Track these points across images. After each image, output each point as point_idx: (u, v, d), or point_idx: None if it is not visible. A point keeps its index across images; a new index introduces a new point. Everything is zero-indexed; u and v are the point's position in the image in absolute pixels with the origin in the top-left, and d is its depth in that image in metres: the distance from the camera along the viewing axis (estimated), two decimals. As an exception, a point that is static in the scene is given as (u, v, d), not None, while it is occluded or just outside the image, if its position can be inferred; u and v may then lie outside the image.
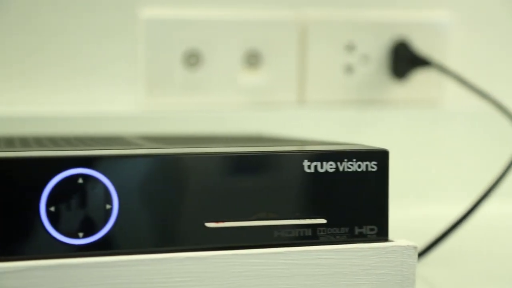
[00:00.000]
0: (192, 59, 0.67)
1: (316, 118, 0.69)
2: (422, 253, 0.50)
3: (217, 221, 0.37)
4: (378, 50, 0.71)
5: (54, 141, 0.47)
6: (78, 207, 0.35)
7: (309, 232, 0.38)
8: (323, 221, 0.38)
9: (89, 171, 0.35)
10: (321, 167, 0.38)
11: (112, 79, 0.68)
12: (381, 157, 0.39)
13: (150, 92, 0.67)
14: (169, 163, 0.37)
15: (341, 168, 0.38)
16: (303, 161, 0.38)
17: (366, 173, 0.39)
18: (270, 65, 0.69)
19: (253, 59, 0.69)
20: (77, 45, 0.67)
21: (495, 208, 0.60)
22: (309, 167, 0.38)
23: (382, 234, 0.39)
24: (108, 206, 0.36)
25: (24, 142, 0.47)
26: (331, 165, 0.38)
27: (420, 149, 0.72)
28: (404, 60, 0.70)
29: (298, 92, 0.70)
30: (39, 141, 0.48)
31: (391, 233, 0.39)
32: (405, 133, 0.71)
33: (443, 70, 0.67)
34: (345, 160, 0.38)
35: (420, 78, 0.72)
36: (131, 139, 0.51)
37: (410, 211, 0.68)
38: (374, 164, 0.39)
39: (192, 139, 0.53)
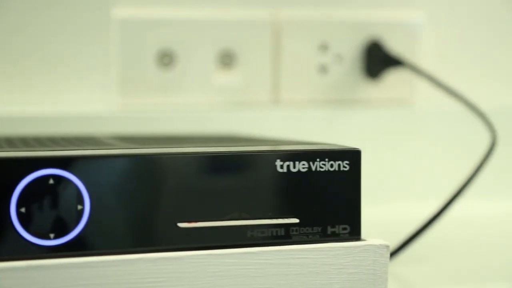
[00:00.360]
0: (166, 59, 0.67)
1: (290, 117, 0.69)
2: (395, 252, 0.50)
3: (190, 221, 0.37)
4: (351, 50, 0.71)
5: (25, 142, 0.47)
6: (49, 208, 0.35)
7: (282, 232, 0.38)
8: (296, 220, 0.38)
9: (60, 171, 0.35)
10: (294, 167, 0.38)
11: (86, 78, 0.67)
12: (353, 156, 0.39)
13: (124, 92, 0.67)
14: (141, 163, 0.36)
15: (313, 168, 0.38)
16: (275, 161, 0.38)
17: (339, 172, 0.39)
18: (244, 65, 0.69)
19: (227, 59, 0.69)
20: (50, 45, 0.67)
21: (467, 207, 0.60)
22: (281, 166, 0.38)
23: (354, 233, 0.39)
24: (79, 207, 0.35)
25: (-5, 142, 0.47)
26: (303, 164, 0.38)
27: (393, 148, 0.72)
28: (377, 60, 0.70)
29: (272, 92, 0.70)
30: (10, 142, 0.47)
31: (364, 232, 0.39)
32: (378, 132, 0.71)
33: (416, 70, 0.68)
34: (318, 159, 0.38)
35: (393, 78, 0.72)
36: (103, 139, 0.51)
37: (383, 210, 0.69)
38: (347, 164, 0.39)
39: (165, 139, 0.52)
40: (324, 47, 0.70)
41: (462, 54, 0.76)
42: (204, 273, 0.36)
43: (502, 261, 0.54)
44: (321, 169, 0.38)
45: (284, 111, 0.70)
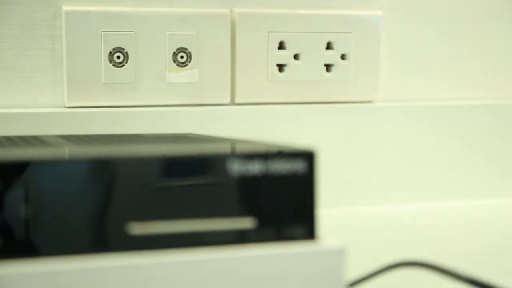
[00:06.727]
0: (118, 56, 0.65)
1: (247, 117, 0.69)
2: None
3: (142, 226, 0.36)
4: (312, 48, 0.70)
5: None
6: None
7: (237, 235, 0.37)
8: (251, 223, 0.37)
9: (3, 174, 0.33)
10: (249, 168, 0.37)
11: (34, 76, 0.65)
12: (309, 157, 0.38)
13: (74, 90, 0.65)
14: (90, 166, 0.35)
15: (269, 169, 0.38)
16: (230, 162, 0.37)
17: (295, 173, 0.38)
18: (200, 63, 0.68)
19: (182, 57, 0.67)
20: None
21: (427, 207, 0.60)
22: (237, 167, 0.37)
23: (311, 236, 0.38)
24: (23, 212, 0.34)
25: None
26: (259, 165, 0.37)
27: (354, 147, 0.71)
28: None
29: (229, 91, 0.69)
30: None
31: (320, 234, 0.39)
32: (341, 130, 0.71)
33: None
34: (273, 160, 0.38)
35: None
36: (50, 140, 0.50)
37: (341, 210, 0.68)
38: (303, 165, 0.38)
39: (116, 140, 0.51)
40: (282, 45, 0.70)
41: (422, 49, 0.76)
42: (157, 278, 0.35)
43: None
44: (277, 170, 0.38)
45: (241, 110, 0.69)
